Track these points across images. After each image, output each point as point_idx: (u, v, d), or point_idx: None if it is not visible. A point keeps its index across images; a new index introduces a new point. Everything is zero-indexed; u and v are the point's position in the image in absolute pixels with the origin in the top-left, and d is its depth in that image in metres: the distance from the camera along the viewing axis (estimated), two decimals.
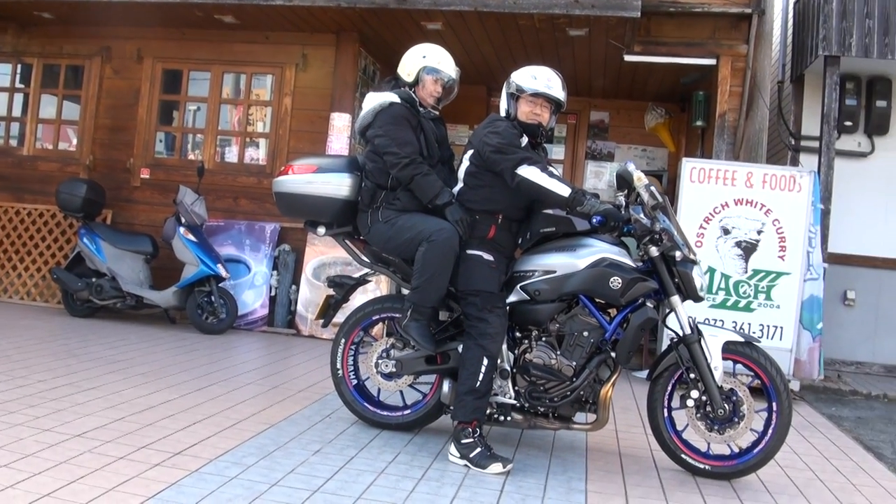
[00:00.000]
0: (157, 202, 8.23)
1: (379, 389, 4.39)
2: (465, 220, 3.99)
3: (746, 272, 6.41)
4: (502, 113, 4.13)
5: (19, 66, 8.94)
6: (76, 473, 3.18)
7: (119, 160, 8.45)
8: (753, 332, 6.29)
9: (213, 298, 7.19)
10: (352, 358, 4.41)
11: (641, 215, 3.86)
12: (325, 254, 7.68)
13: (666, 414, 3.98)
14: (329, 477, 3.46)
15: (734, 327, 6.23)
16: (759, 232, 6.40)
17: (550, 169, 3.95)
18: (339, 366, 4.37)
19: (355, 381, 4.40)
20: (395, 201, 4.13)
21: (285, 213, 4.47)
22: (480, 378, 3.80)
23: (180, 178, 7.95)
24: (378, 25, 7.60)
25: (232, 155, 8.49)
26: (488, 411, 3.97)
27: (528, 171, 3.84)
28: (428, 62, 4.27)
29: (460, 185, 4.15)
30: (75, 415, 4.04)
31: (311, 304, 7.55)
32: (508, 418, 4.01)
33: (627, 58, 7.61)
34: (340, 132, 7.86)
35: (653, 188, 3.93)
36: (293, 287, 7.83)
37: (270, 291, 7.79)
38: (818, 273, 6.55)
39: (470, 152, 4.12)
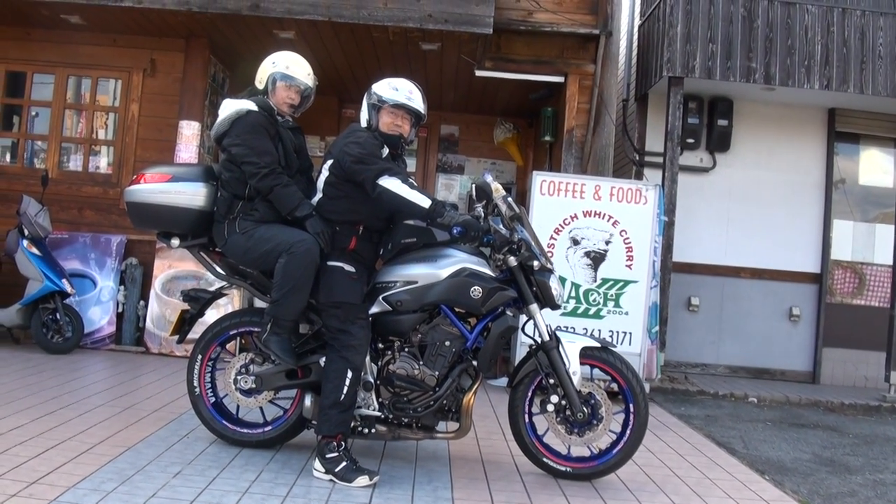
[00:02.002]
0: None
1: (238, 406, 4.27)
2: (326, 232, 3.94)
3: (596, 281, 6.66)
4: (363, 123, 4.12)
5: None
6: None
7: None
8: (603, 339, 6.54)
9: (58, 316, 6.79)
10: (209, 375, 4.27)
11: (500, 226, 3.93)
12: (174, 267, 7.40)
13: (527, 419, 4.08)
14: (192, 499, 3.33)
15: (585, 334, 6.46)
16: (608, 242, 6.67)
17: (411, 180, 3.97)
18: (196, 383, 4.22)
19: (213, 399, 4.26)
20: (252, 212, 4.03)
21: (137, 225, 4.28)
22: (345, 391, 3.76)
23: (23, 188, 7.44)
24: (229, 32, 7.43)
25: (76, 163, 8.05)
26: (352, 424, 3.93)
27: (390, 182, 3.85)
28: (277, 68, 4.19)
29: (319, 195, 4.10)
30: None
31: (161, 321, 7.26)
32: (372, 430, 3.99)
33: (478, 73, 7.80)
34: (189, 141, 7.61)
35: (510, 199, 4.03)
36: (141, 303, 7.50)
37: (118, 307, 7.44)
38: (657, 281, 6.90)
39: (329, 162, 4.08)
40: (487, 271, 3.98)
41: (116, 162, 7.89)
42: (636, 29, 9.12)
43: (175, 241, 4.19)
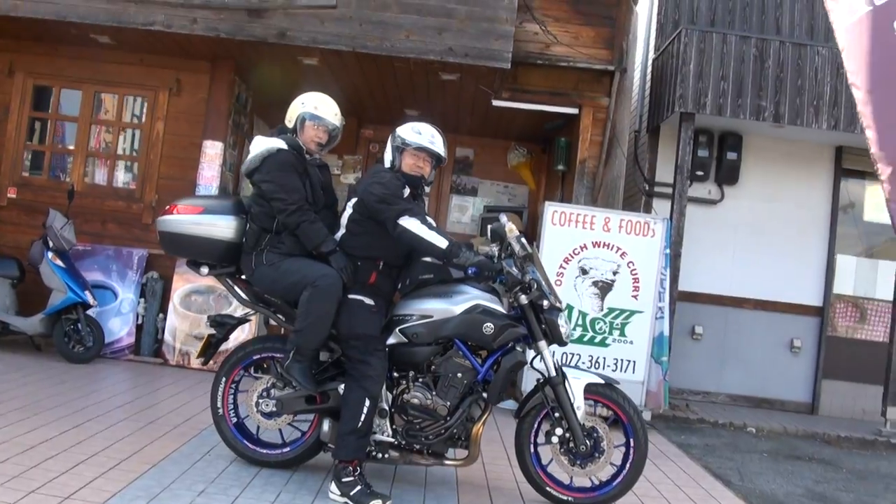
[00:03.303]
0: (24, 223, 7.90)
1: (258, 427, 4.48)
2: (349, 267, 4.16)
3: (602, 310, 6.88)
4: (387, 164, 4.36)
5: None
6: None
7: None
8: (608, 366, 6.76)
9: (79, 326, 7.01)
10: (232, 397, 4.48)
11: (513, 268, 4.15)
12: (192, 281, 7.62)
13: (532, 450, 4.29)
14: None
15: (590, 361, 6.69)
16: (615, 273, 6.89)
17: (430, 221, 4.20)
18: (219, 404, 4.43)
19: (235, 420, 4.47)
20: (279, 245, 4.25)
21: (169, 252, 4.53)
22: (362, 419, 3.98)
23: (48, 199, 7.72)
24: (255, 56, 7.66)
25: (101, 177, 8.29)
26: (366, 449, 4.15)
27: (409, 223, 4.08)
28: (306, 108, 4.43)
29: (342, 231, 4.33)
30: None
31: (179, 333, 7.50)
32: (386, 455, 4.20)
33: (495, 103, 8.00)
34: (212, 160, 7.81)
35: (523, 240, 4.25)
36: (160, 315, 7.73)
37: (137, 319, 7.67)
38: (663, 312, 7.10)
39: (353, 200, 4.31)
40: (499, 308, 4.20)
41: (140, 178, 8.13)
42: (650, 62, 9.31)
43: (204, 270, 4.41)
